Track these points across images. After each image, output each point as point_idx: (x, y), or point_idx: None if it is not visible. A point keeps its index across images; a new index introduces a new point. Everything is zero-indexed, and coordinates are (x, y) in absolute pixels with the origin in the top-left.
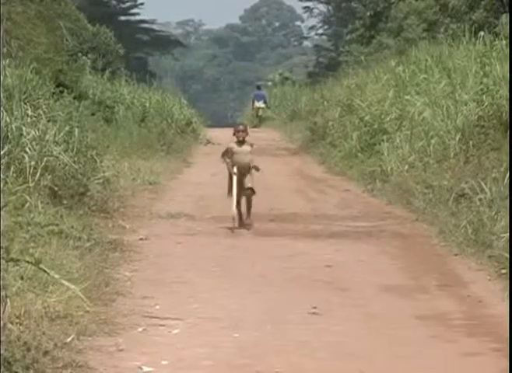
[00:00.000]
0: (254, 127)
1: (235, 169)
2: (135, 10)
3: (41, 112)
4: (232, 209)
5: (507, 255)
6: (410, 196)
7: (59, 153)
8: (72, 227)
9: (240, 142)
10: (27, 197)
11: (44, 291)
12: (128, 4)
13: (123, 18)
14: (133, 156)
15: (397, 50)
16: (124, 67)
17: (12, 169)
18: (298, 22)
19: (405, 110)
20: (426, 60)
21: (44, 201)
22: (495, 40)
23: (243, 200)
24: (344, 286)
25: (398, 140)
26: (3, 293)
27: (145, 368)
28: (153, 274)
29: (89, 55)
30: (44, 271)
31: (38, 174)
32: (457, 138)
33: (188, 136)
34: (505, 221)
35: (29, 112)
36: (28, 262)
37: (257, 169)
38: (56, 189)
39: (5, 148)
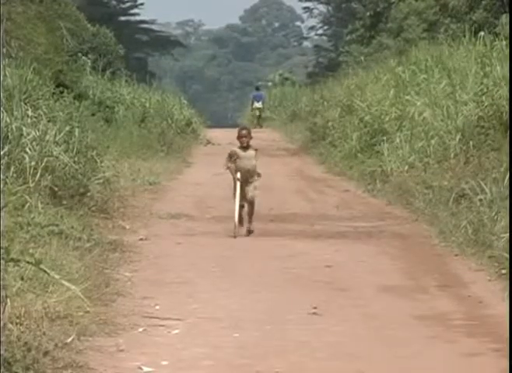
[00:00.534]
0: (255, 127)
1: (238, 175)
2: (134, 10)
3: (41, 112)
4: (234, 216)
5: (507, 255)
6: (410, 196)
7: (59, 153)
8: (72, 227)
9: (244, 147)
10: (27, 198)
11: (44, 292)
12: (127, 4)
13: (123, 18)
14: (133, 156)
15: (397, 50)
16: (124, 68)
17: (12, 169)
18: (298, 23)
19: (405, 111)
20: (426, 60)
21: (44, 201)
22: (495, 41)
23: (246, 205)
24: (344, 286)
25: (398, 140)
26: (3, 293)
27: (145, 368)
28: (153, 275)
29: (89, 55)
30: (44, 271)
31: (38, 174)
32: (458, 139)
33: (188, 136)
34: (505, 222)
35: (30, 112)
36: (28, 262)
37: (258, 175)
38: (56, 189)
39: (5, 149)
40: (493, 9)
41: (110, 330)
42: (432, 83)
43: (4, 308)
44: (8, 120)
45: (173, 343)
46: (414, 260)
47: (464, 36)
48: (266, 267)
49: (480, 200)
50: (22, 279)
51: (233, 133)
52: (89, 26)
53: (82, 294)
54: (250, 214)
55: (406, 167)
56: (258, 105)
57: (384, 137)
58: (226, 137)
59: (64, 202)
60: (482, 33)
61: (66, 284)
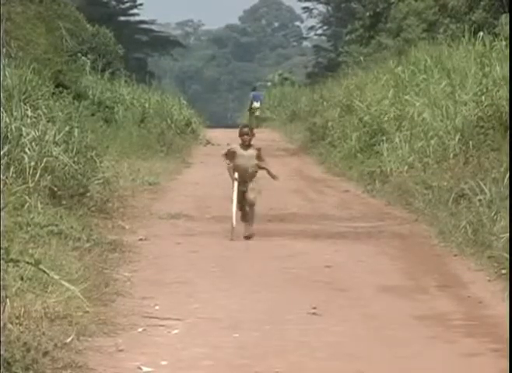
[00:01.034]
0: (256, 127)
1: (236, 175)
2: (134, 11)
3: (41, 112)
4: (232, 218)
5: (507, 255)
6: (409, 196)
7: (59, 153)
8: (72, 227)
9: (245, 146)
10: (27, 198)
11: (44, 292)
12: (127, 4)
13: (122, 18)
14: (133, 157)
15: (396, 50)
16: (124, 68)
17: (11, 169)
18: (297, 23)
19: (404, 111)
20: (426, 60)
21: (44, 202)
22: (494, 41)
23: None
24: (343, 286)
25: (398, 140)
26: (3, 293)
27: (145, 368)
28: (153, 275)
29: (89, 56)
30: (44, 272)
31: (38, 174)
32: (457, 139)
33: (188, 136)
34: (504, 222)
35: (29, 112)
36: (28, 262)
37: (274, 178)
38: (56, 189)
39: (5, 149)
40: (493, 9)
41: (110, 330)
42: (431, 83)
43: (3, 308)
44: (7, 120)
45: (173, 343)
46: (413, 260)
47: (464, 37)
48: (266, 267)
49: (479, 200)
50: (21, 279)
51: (232, 133)
52: (88, 26)
53: (82, 295)
54: (250, 217)
55: (406, 167)
56: (257, 105)
57: (384, 138)
58: (225, 137)
59: (64, 202)
60: (481, 34)
61: (65, 284)
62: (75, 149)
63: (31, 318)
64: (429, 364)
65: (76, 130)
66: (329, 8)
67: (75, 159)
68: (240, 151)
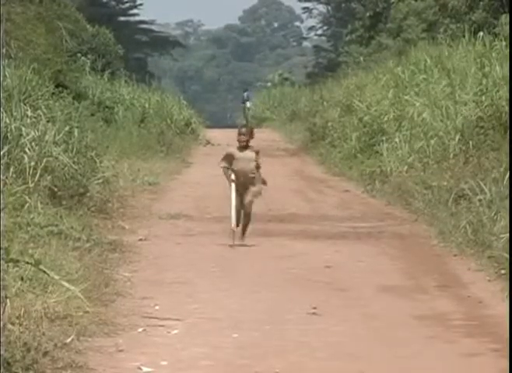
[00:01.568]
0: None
1: (233, 177)
2: (134, 11)
3: (41, 112)
4: (231, 222)
5: (507, 255)
6: (409, 196)
7: (59, 154)
8: (72, 227)
9: (242, 147)
10: (27, 198)
11: (44, 292)
12: (127, 5)
13: (122, 19)
14: (132, 157)
15: (396, 50)
16: (124, 68)
17: (11, 169)
18: (297, 23)
19: (404, 111)
20: (426, 60)
21: (44, 202)
22: (494, 41)
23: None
24: (343, 286)
25: (398, 140)
26: (3, 293)
27: (145, 369)
28: (153, 275)
29: (89, 56)
30: (44, 272)
31: (38, 175)
32: (457, 139)
33: (188, 136)
34: (504, 222)
35: (29, 112)
36: (28, 263)
37: (263, 182)
38: (55, 189)
39: (5, 149)
40: (493, 9)
41: (110, 330)
42: (431, 83)
43: (4, 309)
44: (7, 120)
45: (173, 343)
46: (413, 260)
47: (464, 37)
48: (266, 267)
49: (479, 200)
50: (21, 279)
51: (232, 133)
52: (88, 26)
53: (82, 295)
54: (245, 224)
55: (405, 167)
56: (249, 105)
57: (384, 138)
58: (225, 137)
59: (64, 202)
60: (481, 34)
61: (65, 284)
62: (74, 149)
63: (31, 319)
64: (429, 364)
65: (76, 131)
66: (329, 8)
67: (75, 159)
68: (236, 153)
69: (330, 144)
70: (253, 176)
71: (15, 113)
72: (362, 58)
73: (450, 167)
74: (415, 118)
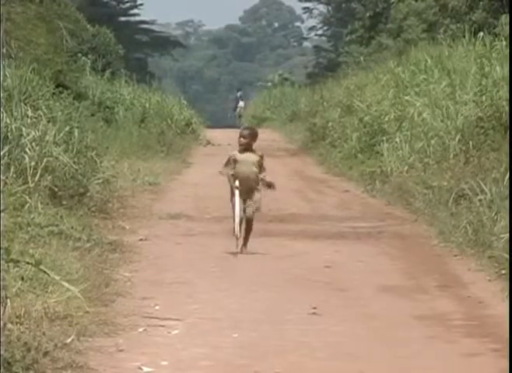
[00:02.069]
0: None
1: (237, 183)
2: (134, 11)
3: (41, 112)
4: (234, 230)
5: (507, 255)
6: (410, 196)
7: (59, 154)
8: (72, 227)
9: (243, 149)
10: (27, 198)
11: (44, 292)
12: (127, 5)
13: (123, 19)
14: (133, 157)
15: (396, 50)
16: (124, 68)
17: (12, 169)
18: (298, 23)
19: (404, 111)
20: (426, 60)
21: (44, 202)
22: (494, 41)
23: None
24: (343, 286)
25: (398, 140)
26: (3, 293)
27: (145, 369)
28: (153, 275)
29: (89, 56)
30: (44, 272)
31: (38, 175)
32: (457, 139)
33: (188, 137)
34: (505, 222)
35: (29, 112)
36: (28, 263)
37: (272, 186)
38: (56, 189)
39: (5, 149)
40: (493, 10)
41: (110, 330)
42: (431, 83)
43: (4, 309)
44: (7, 120)
45: (173, 343)
46: (414, 260)
47: (464, 37)
48: (265, 267)
49: (480, 200)
50: (22, 279)
51: (232, 133)
52: (88, 26)
53: (82, 295)
54: (246, 233)
55: (406, 167)
56: (242, 104)
57: (384, 138)
58: (225, 137)
59: (64, 202)
60: (481, 34)
61: (66, 284)
62: (75, 149)
63: (31, 319)
64: (429, 364)
65: (76, 131)
66: (329, 8)
67: (76, 159)
68: (238, 156)
69: (330, 145)
70: (255, 178)
71: (15, 113)
72: (362, 58)
73: (450, 167)
74: (416, 118)
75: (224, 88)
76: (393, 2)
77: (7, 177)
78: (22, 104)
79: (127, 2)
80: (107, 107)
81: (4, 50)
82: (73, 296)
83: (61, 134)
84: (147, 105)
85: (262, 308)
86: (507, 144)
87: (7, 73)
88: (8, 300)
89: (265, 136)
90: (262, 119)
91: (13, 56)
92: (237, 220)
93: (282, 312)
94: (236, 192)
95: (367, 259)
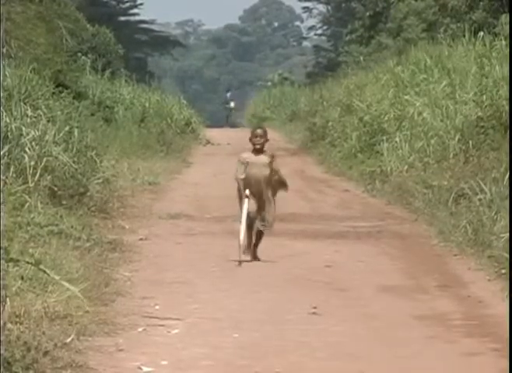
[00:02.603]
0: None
1: (247, 192)
2: (134, 10)
3: (41, 112)
4: (239, 238)
5: (507, 255)
6: (409, 196)
7: (59, 153)
8: (72, 227)
9: (257, 151)
10: (27, 197)
11: (44, 291)
12: (127, 4)
13: (122, 18)
14: (132, 156)
15: (396, 50)
16: (124, 68)
17: (11, 169)
18: (297, 23)
19: (404, 110)
20: (426, 60)
21: (44, 201)
22: (494, 41)
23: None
24: (343, 286)
25: (398, 140)
26: (3, 293)
27: (145, 368)
28: (153, 274)
29: (89, 55)
30: (44, 271)
31: (38, 174)
32: (457, 138)
33: (188, 136)
34: (505, 221)
35: (29, 112)
36: (28, 262)
37: (284, 186)
38: (56, 189)
39: (5, 149)
40: (493, 9)
41: (110, 330)
42: (431, 83)
43: (3, 308)
44: (7, 119)
45: (173, 342)
46: (413, 260)
47: (464, 36)
48: (265, 267)
49: (479, 199)
50: (21, 279)
51: (232, 133)
52: (88, 26)
53: (82, 294)
54: (257, 240)
55: (406, 167)
56: (232, 105)
57: (384, 137)
58: (225, 136)
59: (64, 202)
60: (481, 33)
61: (65, 284)
62: (75, 149)
63: (31, 318)
64: (429, 364)
65: (76, 130)
66: (329, 8)
67: (75, 159)
68: (251, 158)
69: (330, 144)
70: (268, 181)
71: (15, 113)
72: (362, 58)
73: (450, 167)
74: (416, 118)
75: (224, 87)
76: (393, 2)
77: (7, 177)
78: (22, 104)
79: (126, 2)
80: (107, 107)
81: (4, 50)
82: (73, 295)
83: (61, 134)
84: (147, 104)
85: (262, 308)
86: (507, 143)
87: (7, 73)
88: (8, 299)
89: None
90: (262, 118)
91: (13, 55)
92: (242, 228)
93: (282, 312)
94: (245, 200)
95: (367, 259)
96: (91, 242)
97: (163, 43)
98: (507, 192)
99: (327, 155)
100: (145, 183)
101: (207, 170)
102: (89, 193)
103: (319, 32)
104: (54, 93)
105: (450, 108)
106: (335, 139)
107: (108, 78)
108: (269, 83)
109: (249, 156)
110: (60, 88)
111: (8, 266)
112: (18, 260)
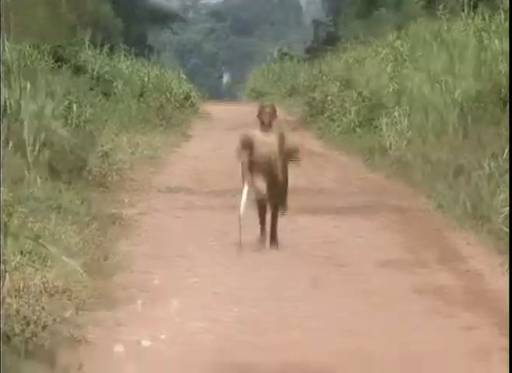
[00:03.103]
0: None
1: (250, 175)
2: None
3: (40, 86)
4: (239, 226)
5: (507, 229)
6: (409, 170)
7: (58, 128)
8: (71, 201)
9: (265, 128)
10: (26, 172)
11: (43, 266)
12: None
13: None
14: (132, 130)
15: (395, 24)
16: (123, 42)
17: (10, 143)
18: None
19: (403, 85)
20: (425, 34)
21: (43, 176)
22: (494, 15)
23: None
24: (343, 261)
25: (397, 114)
26: (2, 267)
27: (144, 342)
28: (152, 249)
29: (88, 29)
30: (43, 246)
31: (37, 149)
32: (456, 113)
33: (187, 110)
34: (504, 196)
35: (28, 86)
36: (27, 237)
37: (295, 156)
38: (54, 163)
39: (4, 123)
40: None
41: (109, 304)
42: (430, 57)
43: (3, 283)
44: (6, 94)
45: (172, 317)
46: (413, 234)
47: (463, 10)
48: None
49: (478, 174)
50: (21, 253)
51: (231, 106)
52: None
53: (81, 268)
54: (273, 229)
55: (405, 141)
56: (226, 79)
57: (383, 112)
58: (224, 110)
59: (63, 176)
60: (480, 7)
61: (65, 258)
62: (74, 123)
63: (30, 293)
64: (428, 338)
65: (75, 105)
66: None
67: (74, 133)
68: (258, 136)
69: (329, 119)
70: (277, 160)
71: (14, 87)
72: (361, 32)
73: (449, 141)
74: (415, 92)
75: (222, 62)
76: None
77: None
78: (21, 78)
79: None
80: (106, 81)
81: (3, 25)
82: (72, 270)
83: (60, 108)
84: (146, 78)
85: (262, 284)
86: (506, 118)
87: (6, 47)
88: (8, 274)
89: None
90: (261, 93)
91: (12, 30)
92: (242, 211)
93: (282, 287)
94: (245, 188)
95: (366, 234)
96: (90, 216)
97: (162, 17)
98: (506, 166)
99: (326, 130)
100: (144, 157)
101: (206, 144)
102: (88, 168)
103: (318, 6)
104: (53, 68)
105: (449, 82)
106: (334, 114)
107: (107, 53)
108: (268, 58)
109: (257, 134)
110: (59, 63)
111: (7, 240)
112: (17, 235)
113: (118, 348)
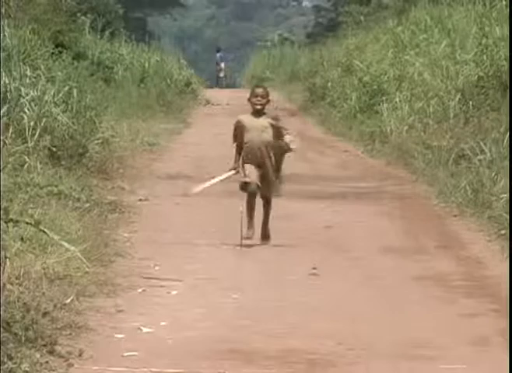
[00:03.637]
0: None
1: (247, 171)
2: None
3: (40, 72)
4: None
5: (507, 215)
6: (409, 156)
7: (58, 114)
8: (71, 188)
9: (257, 112)
10: (26, 158)
11: (44, 252)
12: None
13: None
14: (132, 117)
15: (396, 10)
16: (123, 28)
17: (10, 129)
18: None
19: (404, 71)
20: (426, 20)
21: (43, 162)
22: (494, 1)
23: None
24: (343, 247)
25: (398, 100)
26: (3, 254)
27: (145, 329)
28: (152, 235)
29: (88, 15)
30: (44, 232)
31: (37, 135)
32: (457, 99)
33: (187, 97)
34: (505, 182)
35: (28, 72)
36: (27, 223)
37: (288, 149)
38: (55, 149)
39: (4, 109)
40: None
41: (109, 291)
42: (431, 43)
43: (3, 269)
44: (6, 80)
45: (173, 303)
46: (413, 221)
47: None
48: None
49: (479, 160)
50: (21, 239)
51: (231, 93)
52: None
53: (81, 255)
54: (265, 217)
55: (405, 127)
56: (223, 66)
57: (384, 98)
58: (224, 96)
59: (63, 162)
60: None
61: (65, 244)
62: (74, 109)
63: (31, 279)
64: (428, 325)
65: (75, 91)
66: None
67: (75, 119)
68: (248, 121)
69: (330, 105)
70: (268, 147)
71: (14, 73)
72: (362, 18)
73: (450, 127)
74: (416, 78)
75: (223, 48)
76: None
77: (6, 137)
78: (21, 64)
79: None
80: (106, 67)
81: (3, 10)
82: (72, 256)
83: (60, 94)
84: (146, 65)
85: (262, 269)
86: (507, 103)
87: (6, 33)
88: (8, 260)
89: None
90: (262, 79)
91: (12, 15)
92: (213, 180)
93: (282, 273)
94: (227, 173)
95: (367, 220)
96: (90, 202)
97: (162, 2)
98: (507, 152)
99: (326, 116)
100: (144, 144)
101: (207, 131)
102: (88, 154)
103: None
104: (53, 53)
105: (450, 68)
106: (335, 99)
107: (108, 38)
108: (269, 43)
109: (247, 118)
110: (59, 49)
111: (7, 226)
112: (17, 221)
113: (119, 335)
